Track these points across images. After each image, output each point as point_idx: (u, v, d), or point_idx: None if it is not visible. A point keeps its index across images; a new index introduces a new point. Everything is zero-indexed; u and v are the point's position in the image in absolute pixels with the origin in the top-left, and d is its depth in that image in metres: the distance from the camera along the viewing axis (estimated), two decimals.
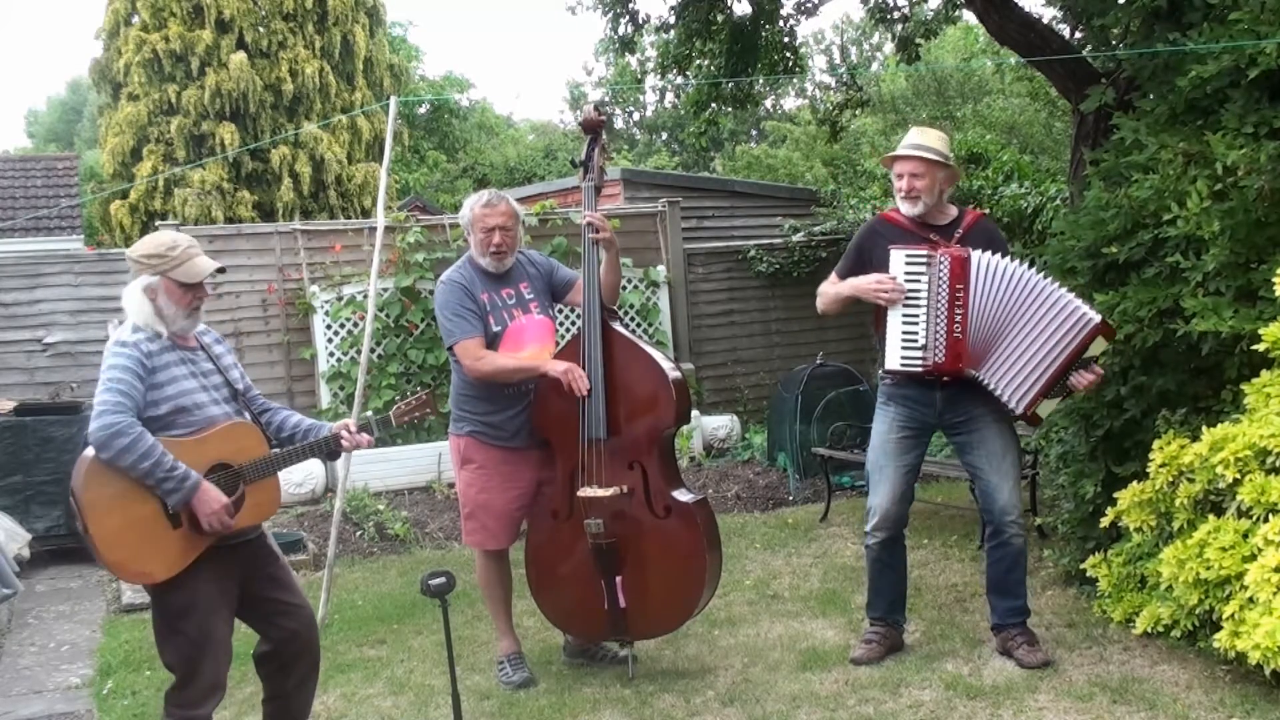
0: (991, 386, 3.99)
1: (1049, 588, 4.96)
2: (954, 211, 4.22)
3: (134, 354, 3.08)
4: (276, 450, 3.29)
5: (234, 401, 3.28)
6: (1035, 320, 3.92)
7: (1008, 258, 4.02)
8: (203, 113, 16.13)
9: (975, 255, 3.97)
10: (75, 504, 3.03)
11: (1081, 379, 3.92)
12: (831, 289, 4.25)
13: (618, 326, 4.14)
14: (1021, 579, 4.18)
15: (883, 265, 4.07)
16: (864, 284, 4.09)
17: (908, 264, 4.02)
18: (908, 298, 4.00)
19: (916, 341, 4.01)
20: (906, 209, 4.14)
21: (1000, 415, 4.19)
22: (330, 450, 3.38)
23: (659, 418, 4.05)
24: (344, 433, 3.34)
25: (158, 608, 3.17)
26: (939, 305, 3.97)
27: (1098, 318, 3.92)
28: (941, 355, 3.98)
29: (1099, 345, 3.93)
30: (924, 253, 4.00)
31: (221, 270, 3.28)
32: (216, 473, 3.12)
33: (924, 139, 4.19)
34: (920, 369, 4.02)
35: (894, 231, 4.15)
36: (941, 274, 3.97)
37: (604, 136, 4.27)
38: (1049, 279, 3.99)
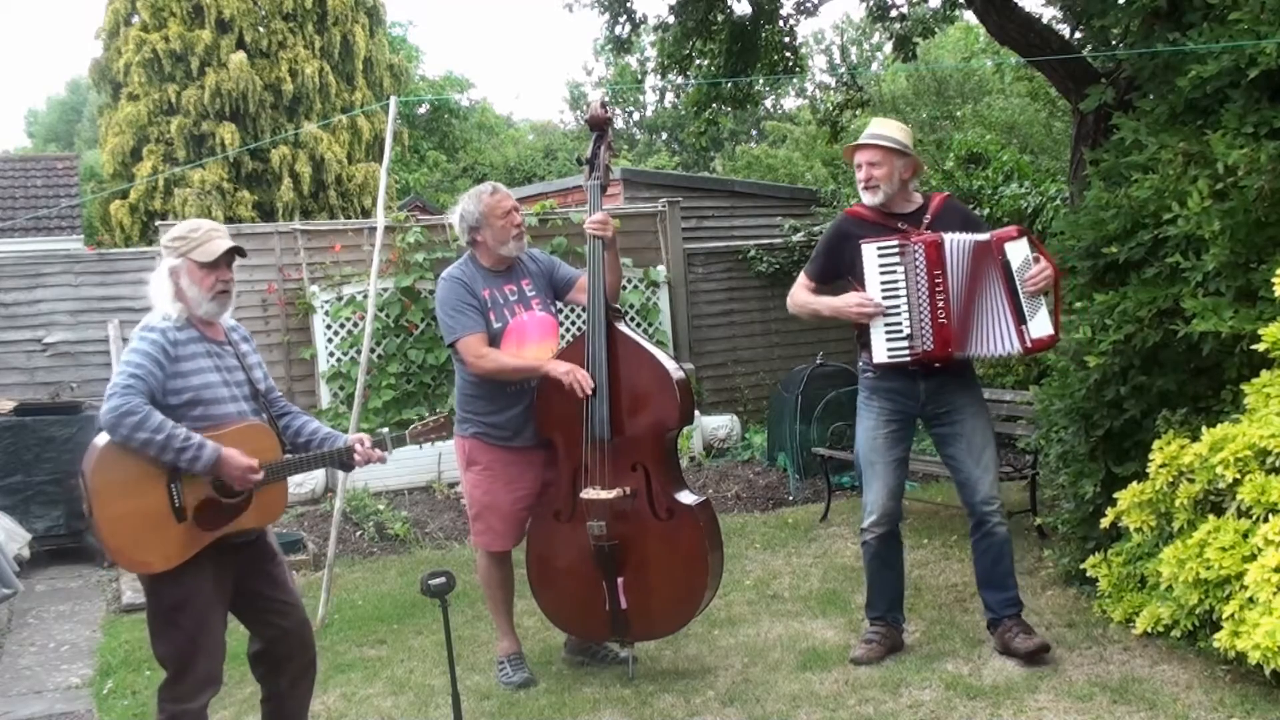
0: (982, 354, 4.06)
1: (1049, 588, 4.96)
2: (919, 199, 4.23)
3: (158, 340, 3.08)
4: (289, 456, 3.29)
5: (253, 400, 3.28)
6: (973, 274, 3.98)
7: (979, 232, 4.05)
8: (203, 113, 16.14)
9: (948, 238, 3.99)
10: (84, 486, 3.03)
11: (1031, 283, 3.93)
12: (808, 302, 4.26)
13: (622, 327, 4.13)
14: (1010, 570, 4.19)
15: (855, 262, 4.08)
16: (842, 305, 4.12)
17: (881, 255, 4.03)
18: (887, 289, 4.01)
19: (901, 332, 4.01)
20: (867, 199, 4.15)
21: (980, 407, 4.22)
22: (343, 462, 3.38)
23: (663, 419, 4.05)
24: (358, 445, 3.34)
25: (153, 600, 3.16)
26: (919, 293, 3.98)
27: (986, 235, 4.01)
28: (930, 343, 3.99)
29: (1019, 249, 3.95)
30: (895, 243, 4.02)
31: (241, 253, 3.25)
32: None
33: (883, 128, 4.21)
34: (908, 358, 4.02)
35: (862, 226, 4.16)
36: (918, 262, 3.98)
37: (610, 134, 4.25)
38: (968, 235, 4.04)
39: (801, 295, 4.29)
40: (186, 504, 3.07)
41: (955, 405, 4.14)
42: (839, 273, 4.22)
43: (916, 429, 4.37)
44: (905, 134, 4.22)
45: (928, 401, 4.15)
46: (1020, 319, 3.95)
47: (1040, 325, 3.97)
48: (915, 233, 4.04)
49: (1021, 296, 3.94)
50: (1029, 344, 3.98)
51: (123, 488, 3.02)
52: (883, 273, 4.01)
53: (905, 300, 4.00)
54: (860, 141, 4.18)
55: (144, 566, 3.17)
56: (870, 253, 4.04)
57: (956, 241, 3.99)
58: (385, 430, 3.45)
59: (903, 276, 4.00)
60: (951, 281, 3.97)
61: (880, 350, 4.05)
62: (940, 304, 3.97)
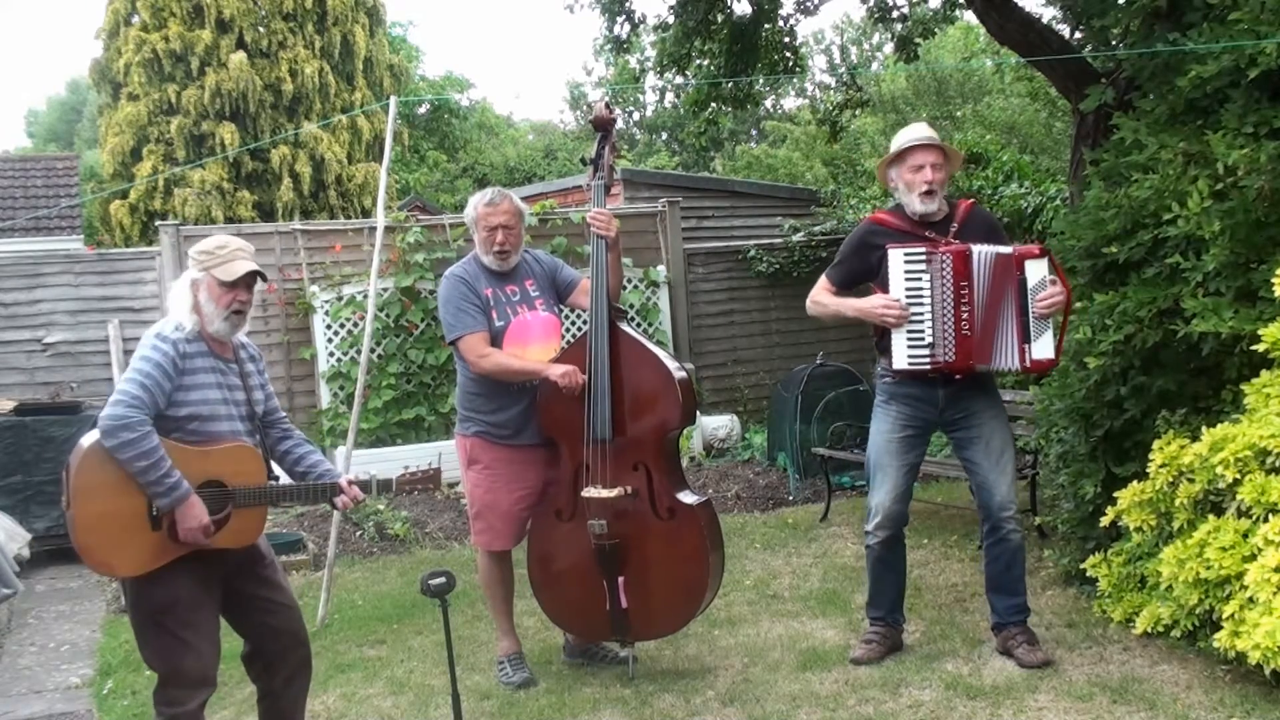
0: (995, 369, 4.05)
1: (1049, 588, 4.96)
2: (945, 206, 4.17)
3: (169, 352, 3.08)
4: (272, 483, 3.28)
5: (248, 422, 3.28)
6: (994, 286, 3.96)
7: (1000, 243, 4.03)
8: (203, 113, 16.14)
9: (976, 250, 3.97)
10: (66, 479, 3.03)
11: (1043, 304, 3.92)
12: (830, 303, 4.21)
13: (625, 326, 4.12)
14: (1020, 576, 4.18)
15: (880, 268, 4.05)
16: (868, 306, 4.07)
17: (907, 263, 3.99)
18: (912, 296, 3.99)
19: (923, 340, 3.99)
20: (924, 205, 4.04)
21: (999, 411, 4.20)
22: (329, 498, 3.37)
23: (665, 419, 4.05)
24: (344, 485, 3.34)
25: (136, 605, 3.15)
26: (944, 303, 3.96)
27: (1009, 249, 3.98)
28: (951, 354, 3.97)
29: (1037, 268, 3.94)
30: (923, 251, 3.99)
31: (263, 277, 3.28)
32: (209, 488, 3.12)
33: (932, 131, 4.14)
34: (928, 367, 4.01)
35: (888, 234, 4.10)
36: (945, 272, 3.95)
37: (614, 134, 4.26)
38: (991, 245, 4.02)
39: (823, 297, 4.24)
40: (164, 514, 3.06)
41: (974, 410, 4.12)
42: (862, 278, 4.18)
43: (931, 437, 4.33)
44: None
45: (946, 408, 4.12)
46: (1025, 337, 3.95)
47: (1043, 347, 3.96)
48: (943, 242, 4.00)
49: (1031, 315, 3.93)
50: (1029, 364, 3.98)
51: (105, 489, 3.02)
52: (908, 279, 3.98)
53: (929, 309, 3.97)
54: (924, 142, 4.05)
55: (108, 568, 3.18)
56: (897, 258, 4.00)
57: (983, 253, 3.96)
58: (374, 474, 3.45)
59: (928, 285, 3.96)
60: (976, 293, 3.95)
61: (900, 357, 4.02)
62: (965, 315, 3.95)
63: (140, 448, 2.97)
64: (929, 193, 4.02)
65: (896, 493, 4.17)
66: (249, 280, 3.22)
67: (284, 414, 3.49)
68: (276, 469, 3.42)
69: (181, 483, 3.03)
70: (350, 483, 3.35)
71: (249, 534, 3.24)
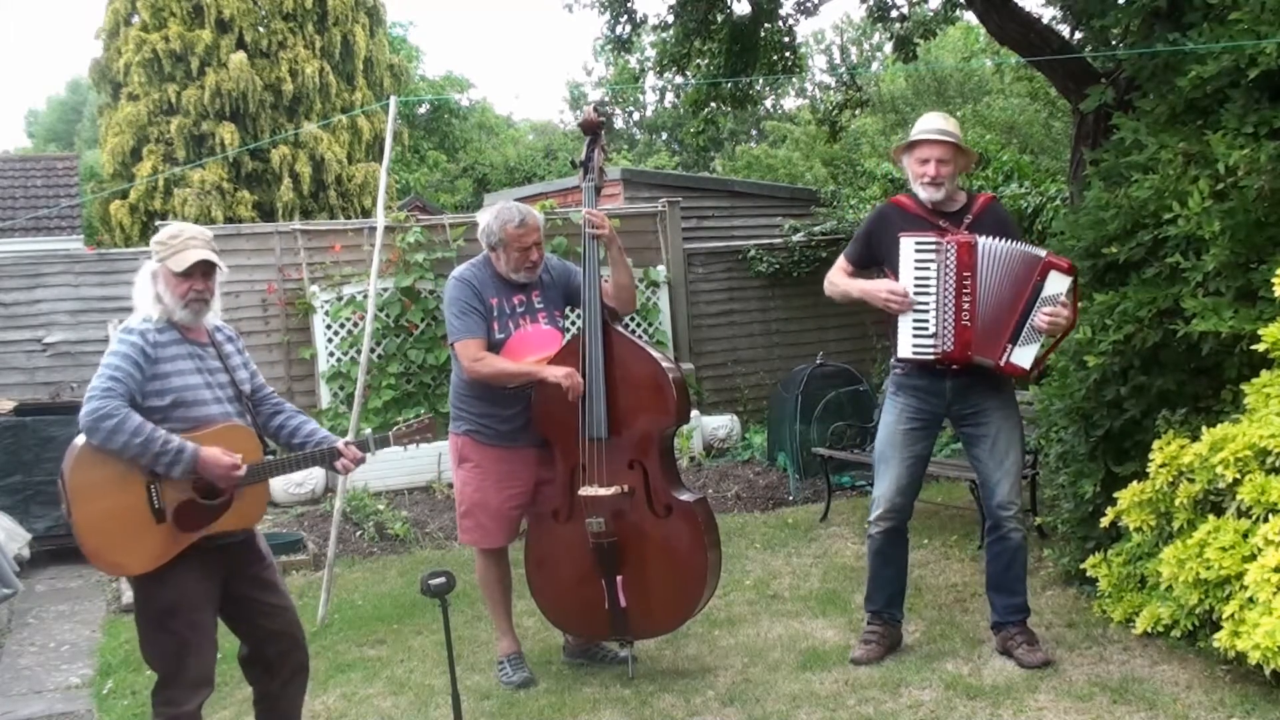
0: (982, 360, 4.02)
1: (1049, 588, 4.96)
2: (963, 197, 4.19)
3: (137, 342, 3.07)
4: (269, 458, 3.27)
5: (237, 402, 3.27)
6: (1006, 282, 3.96)
7: (1013, 240, 4.03)
8: (203, 113, 16.15)
9: (982, 241, 3.97)
10: (63, 487, 3.02)
11: (1045, 317, 3.92)
12: (842, 283, 4.25)
13: (618, 326, 4.14)
14: (1021, 576, 4.18)
15: (892, 252, 4.07)
16: (875, 290, 4.10)
17: (918, 251, 4.01)
18: (919, 285, 4.00)
19: (927, 329, 4.01)
20: (929, 194, 4.08)
21: (1010, 411, 4.20)
22: (329, 462, 3.36)
23: (659, 417, 4.05)
24: (343, 448, 3.33)
25: (143, 606, 3.15)
26: (947, 293, 3.97)
27: (1041, 251, 3.99)
28: (950, 344, 3.99)
29: (1059, 282, 3.94)
30: (934, 240, 4.00)
31: (214, 266, 3.21)
32: None
33: (946, 124, 4.15)
34: (931, 356, 4.02)
35: (905, 217, 4.13)
36: (949, 261, 3.97)
37: (603, 137, 4.28)
38: (1022, 244, 4.03)
39: (837, 277, 4.27)
40: (166, 505, 3.05)
41: (983, 407, 4.13)
42: (875, 259, 4.21)
43: (942, 428, 4.33)
44: (959, 128, 4.20)
45: (954, 401, 4.13)
46: (1013, 338, 3.96)
47: (1023, 355, 3.97)
48: (952, 232, 4.02)
49: (1029, 321, 3.94)
50: (1003, 363, 3.98)
51: (101, 489, 3.01)
52: (917, 268, 4.00)
53: (935, 298, 3.99)
54: (930, 137, 4.09)
55: (119, 568, 3.17)
56: (908, 246, 4.02)
57: (990, 246, 3.97)
58: (369, 432, 3.44)
59: (935, 274, 3.98)
60: (980, 285, 3.96)
61: (905, 345, 4.05)
62: (966, 305, 3.96)
63: (126, 428, 2.95)
64: (932, 183, 4.07)
65: (900, 484, 4.17)
66: (203, 268, 3.18)
67: (272, 390, 3.48)
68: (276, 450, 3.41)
69: (184, 444, 3.01)
70: (348, 444, 3.34)
71: (253, 512, 3.25)
